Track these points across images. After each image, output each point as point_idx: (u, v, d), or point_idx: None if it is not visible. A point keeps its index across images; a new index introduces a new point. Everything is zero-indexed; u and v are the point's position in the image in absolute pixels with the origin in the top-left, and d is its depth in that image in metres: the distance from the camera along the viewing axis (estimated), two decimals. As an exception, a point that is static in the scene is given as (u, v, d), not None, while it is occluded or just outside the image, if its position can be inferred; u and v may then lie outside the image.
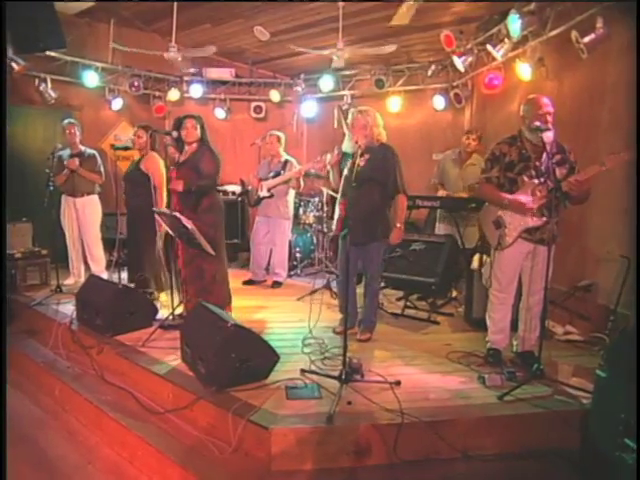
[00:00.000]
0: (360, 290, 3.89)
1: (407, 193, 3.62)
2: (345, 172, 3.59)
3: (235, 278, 5.61)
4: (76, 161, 4.94)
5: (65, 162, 4.96)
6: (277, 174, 5.20)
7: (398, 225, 3.55)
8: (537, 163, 3.06)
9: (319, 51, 5.17)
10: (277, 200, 5.23)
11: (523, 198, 3.03)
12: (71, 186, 5.04)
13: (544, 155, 3.02)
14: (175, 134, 3.83)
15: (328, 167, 3.80)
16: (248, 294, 5.04)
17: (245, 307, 4.49)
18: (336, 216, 3.67)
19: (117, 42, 6.04)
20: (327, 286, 4.95)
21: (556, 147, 3.05)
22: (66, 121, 5.13)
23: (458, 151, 5.00)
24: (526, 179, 3.06)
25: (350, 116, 3.58)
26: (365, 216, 3.43)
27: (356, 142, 3.32)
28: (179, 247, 3.86)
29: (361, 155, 3.47)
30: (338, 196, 3.67)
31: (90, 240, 5.16)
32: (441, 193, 4.98)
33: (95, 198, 5.17)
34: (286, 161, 5.26)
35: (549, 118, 2.96)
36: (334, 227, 3.70)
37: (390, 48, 5.03)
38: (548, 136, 2.91)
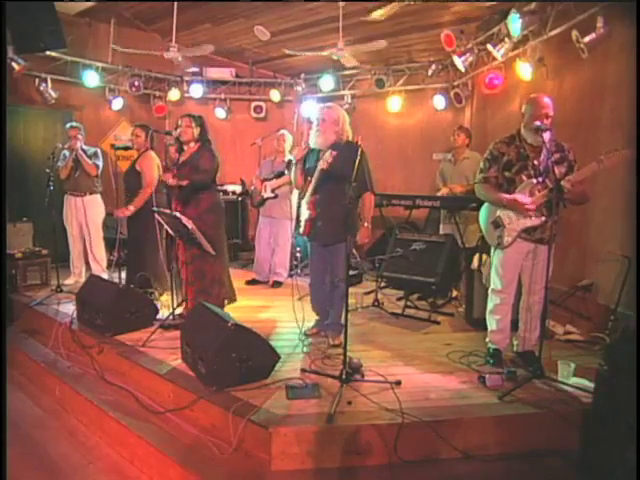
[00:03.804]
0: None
1: (375, 191, 3.48)
2: (310, 169, 3.44)
3: (236, 278, 5.63)
4: (77, 143, 4.94)
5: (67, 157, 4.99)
6: (280, 174, 5.20)
7: (366, 224, 3.37)
8: (535, 162, 3.05)
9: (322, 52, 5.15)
10: (281, 200, 5.23)
11: (522, 198, 3.02)
12: (74, 184, 5.06)
13: (542, 154, 3.02)
14: (175, 133, 3.83)
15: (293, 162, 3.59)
16: (248, 294, 5.04)
17: (246, 307, 4.50)
18: (304, 216, 3.50)
19: (117, 44, 6.02)
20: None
21: (555, 146, 3.04)
22: (69, 125, 5.13)
23: (452, 152, 5.11)
24: (524, 178, 3.05)
25: (318, 112, 3.42)
26: (334, 216, 3.30)
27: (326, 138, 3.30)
28: (179, 248, 3.86)
29: (325, 152, 3.33)
30: (307, 194, 3.47)
31: (92, 239, 5.16)
32: (443, 191, 4.99)
33: (98, 197, 5.18)
34: (290, 161, 5.24)
35: (545, 121, 2.94)
36: (301, 229, 3.53)
37: (381, 44, 5.04)
38: (545, 136, 2.90)
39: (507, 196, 3.05)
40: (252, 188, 5.52)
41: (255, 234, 5.58)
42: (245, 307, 4.49)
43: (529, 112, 3.03)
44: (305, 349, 3.47)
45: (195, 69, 6.36)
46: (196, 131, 3.82)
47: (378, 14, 4.86)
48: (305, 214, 3.48)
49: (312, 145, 3.42)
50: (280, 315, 4.25)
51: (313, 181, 3.39)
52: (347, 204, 3.04)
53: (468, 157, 4.92)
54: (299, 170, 3.52)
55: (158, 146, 4.53)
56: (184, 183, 3.71)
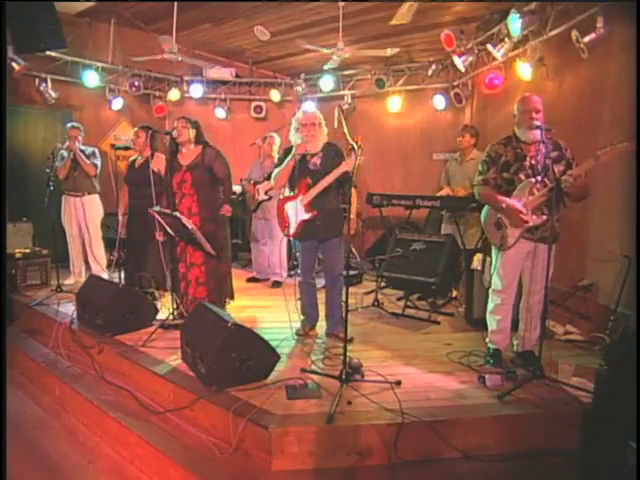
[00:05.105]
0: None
1: (356, 187, 3.64)
2: (302, 172, 3.49)
3: (236, 277, 5.62)
4: (76, 144, 4.93)
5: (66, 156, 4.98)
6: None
7: (352, 217, 3.48)
8: (533, 162, 3.05)
9: (324, 49, 5.13)
10: (274, 201, 5.23)
11: (520, 206, 3.01)
12: (73, 184, 5.05)
13: (540, 153, 3.02)
14: (174, 134, 3.85)
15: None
16: (248, 294, 5.04)
17: (245, 307, 4.50)
18: (301, 217, 3.50)
19: (117, 44, 6.00)
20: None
21: (552, 144, 3.04)
22: (69, 125, 5.13)
23: (459, 153, 5.06)
24: (523, 178, 3.05)
25: (307, 118, 3.48)
26: (328, 213, 3.45)
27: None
28: (186, 249, 3.86)
29: (315, 154, 3.46)
30: (307, 197, 3.48)
31: (91, 239, 5.16)
32: (444, 191, 4.98)
33: (96, 197, 5.18)
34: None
35: (534, 115, 2.95)
36: (292, 230, 3.54)
37: (392, 51, 5.03)
38: (534, 134, 2.92)
39: (507, 200, 3.04)
40: (246, 193, 5.54)
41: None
42: (245, 307, 4.49)
43: (520, 109, 3.05)
44: (305, 349, 3.47)
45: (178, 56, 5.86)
46: (192, 132, 3.88)
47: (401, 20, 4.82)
48: (304, 216, 3.48)
49: (299, 150, 3.48)
50: (279, 315, 4.23)
51: (313, 183, 3.44)
52: (348, 203, 3.07)
53: (474, 158, 4.78)
54: (286, 169, 3.54)
55: (159, 147, 4.53)
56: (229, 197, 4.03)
